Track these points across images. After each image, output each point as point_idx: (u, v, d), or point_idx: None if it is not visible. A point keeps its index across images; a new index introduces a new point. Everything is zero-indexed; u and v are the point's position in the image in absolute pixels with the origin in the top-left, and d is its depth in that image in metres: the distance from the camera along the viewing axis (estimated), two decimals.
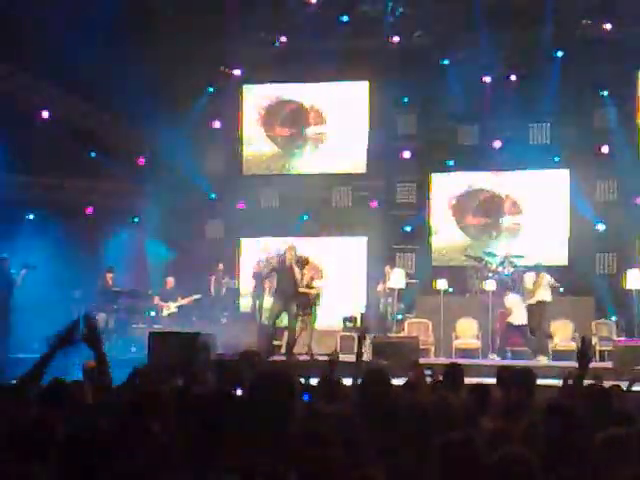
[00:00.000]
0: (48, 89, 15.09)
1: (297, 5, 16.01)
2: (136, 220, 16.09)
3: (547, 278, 13.34)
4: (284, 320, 12.84)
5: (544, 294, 13.19)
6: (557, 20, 15.38)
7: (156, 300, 14.65)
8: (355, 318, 14.47)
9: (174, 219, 15.45)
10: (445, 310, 14.25)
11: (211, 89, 16.76)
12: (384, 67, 16.00)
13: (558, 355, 13.76)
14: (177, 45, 15.72)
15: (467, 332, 14.19)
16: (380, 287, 14.96)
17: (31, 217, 15.34)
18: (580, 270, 15.45)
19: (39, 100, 15.15)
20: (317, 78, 16.94)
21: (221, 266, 15.39)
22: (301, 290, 12.79)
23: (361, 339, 5.99)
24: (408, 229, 16.47)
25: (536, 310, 13.19)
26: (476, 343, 14.00)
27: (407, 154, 16.36)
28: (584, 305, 14.52)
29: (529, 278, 13.43)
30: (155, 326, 13.93)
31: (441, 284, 14.60)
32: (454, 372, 6.16)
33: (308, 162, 17.18)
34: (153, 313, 14.62)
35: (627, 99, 15.73)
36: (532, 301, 13.22)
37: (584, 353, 4.73)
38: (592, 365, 13.63)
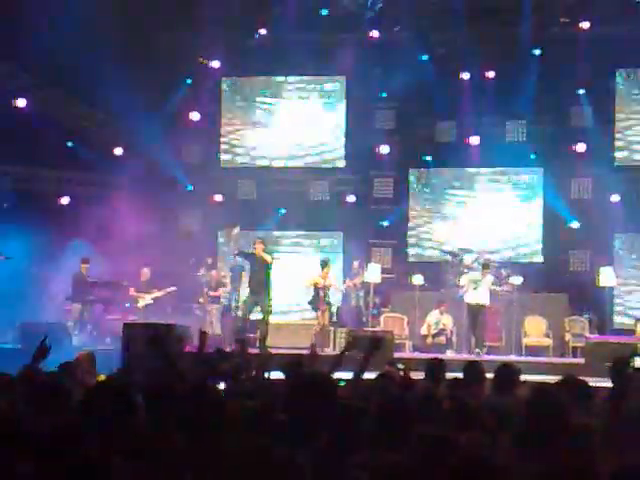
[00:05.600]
0: (25, 77, 14.94)
1: None
2: (112, 211, 15.97)
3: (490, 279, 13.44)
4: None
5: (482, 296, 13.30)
6: (535, 18, 15.47)
7: (131, 291, 14.59)
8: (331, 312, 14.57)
9: (150, 210, 15.38)
10: (420, 305, 14.33)
11: (189, 81, 16.69)
12: (363, 61, 16.02)
13: (531, 351, 13.92)
14: (157, 36, 15.65)
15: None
16: (349, 282, 15.06)
17: (5, 206, 15.21)
18: (554, 267, 15.63)
19: (16, 88, 15.00)
20: (296, 71, 16.94)
21: (210, 260, 15.27)
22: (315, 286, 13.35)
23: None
24: (385, 224, 16.51)
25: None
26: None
27: (385, 149, 16.39)
28: (557, 302, 14.70)
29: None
30: (130, 317, 13.87)
31: (417, 279, 14.68)
32: (436, 366, 6.20)
33: (286, 155, 17.17)
34: (128, 305, 14.56)
35: (604, 98, 15.86)
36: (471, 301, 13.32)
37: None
38: (565, 361, 13.84)
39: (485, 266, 13.66)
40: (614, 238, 15.66)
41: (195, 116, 16.74)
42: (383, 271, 14.89)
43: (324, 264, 13.70)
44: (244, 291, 14.36)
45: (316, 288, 13.46)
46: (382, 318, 14.73)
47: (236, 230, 12.93)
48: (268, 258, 12.65)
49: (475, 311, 13.21)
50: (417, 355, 13.10)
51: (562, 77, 15.45)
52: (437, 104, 15.85)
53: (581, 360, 12.52)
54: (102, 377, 6.54)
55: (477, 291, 13.23)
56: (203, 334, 5.98)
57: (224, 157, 17.28)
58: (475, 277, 13.45)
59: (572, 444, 3.20)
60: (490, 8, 15.33)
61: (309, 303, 13.68)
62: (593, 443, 3.39)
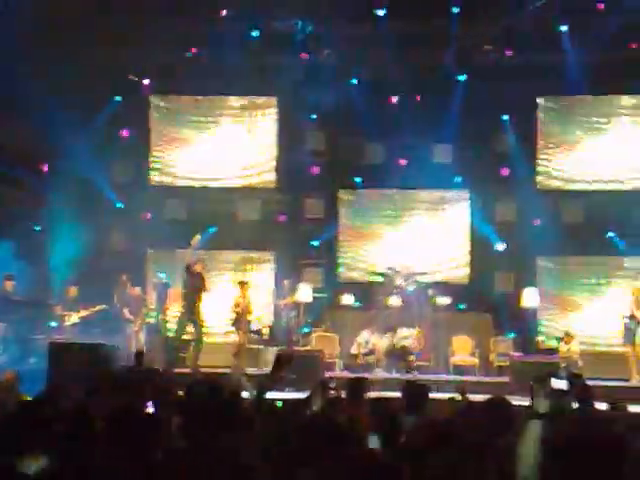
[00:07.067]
0: None
1: (208, 17, 16.01)
2: (38, 228, 15.72)
3: None
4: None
5: None
6: (460, 44, 15.88)
7: (58, 310, 14.33)
8: (261, 331, 14.63)
9: (79, 228, 15.17)
10: (352, 324, 14.48)
11: (119, 98, 16.56)
12: (293, 83, 16.15)
13: (458, 369, 14.21)
14: (85, 51, 15.48)
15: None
16: (280, 301, 15.14)
17: None
18: (480, 288, 15.96)
19: None
20: (227, 91, 16.98)
21: (124, 277, 15.15)
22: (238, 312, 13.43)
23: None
24: (316, 244, 16.64)
25: None
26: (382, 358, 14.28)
27: (316, 170, 16.55)
28: (483, 322, 15.05)
29: None
30: (57, 337, 13.62)
31: (346, 299, 14.83)
32: (357, 386, 6.32)
33: (216, 174, 17.15)
34: (54, 323, 14.30)
35: (527, 124, 16.33)
36: None
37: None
38: (491, 379, 14.21)
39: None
40: (537, 260, 16.11)
41: (125, 133, 16.61)
42: (314, 290, 15.00)
43: (242, 284, 13.81)
44: (173, 310, 14.35)
45: (237, 308, 13.51)
46: (314, 337, 14.82)
47: (197, 237, 13.19)
48: (201, 285, 12.81)
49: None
50: (347, 374, 13.22)
51: (486, 103, 15.82)
52: (366, 126, 16.07)
53: (506, 379, 12.83)
54: (27, 398, 6.45)
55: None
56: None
57: (154, 175, 17.17)
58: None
59: None
60: (417, 35, 15.65)
61: (232, 324, 13.72)
62: None
